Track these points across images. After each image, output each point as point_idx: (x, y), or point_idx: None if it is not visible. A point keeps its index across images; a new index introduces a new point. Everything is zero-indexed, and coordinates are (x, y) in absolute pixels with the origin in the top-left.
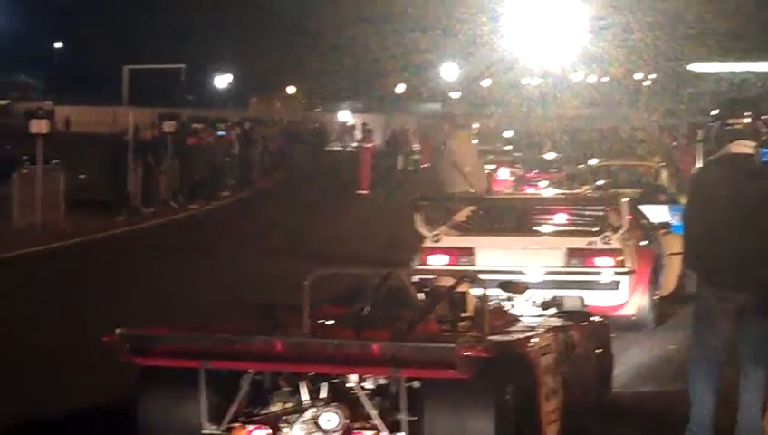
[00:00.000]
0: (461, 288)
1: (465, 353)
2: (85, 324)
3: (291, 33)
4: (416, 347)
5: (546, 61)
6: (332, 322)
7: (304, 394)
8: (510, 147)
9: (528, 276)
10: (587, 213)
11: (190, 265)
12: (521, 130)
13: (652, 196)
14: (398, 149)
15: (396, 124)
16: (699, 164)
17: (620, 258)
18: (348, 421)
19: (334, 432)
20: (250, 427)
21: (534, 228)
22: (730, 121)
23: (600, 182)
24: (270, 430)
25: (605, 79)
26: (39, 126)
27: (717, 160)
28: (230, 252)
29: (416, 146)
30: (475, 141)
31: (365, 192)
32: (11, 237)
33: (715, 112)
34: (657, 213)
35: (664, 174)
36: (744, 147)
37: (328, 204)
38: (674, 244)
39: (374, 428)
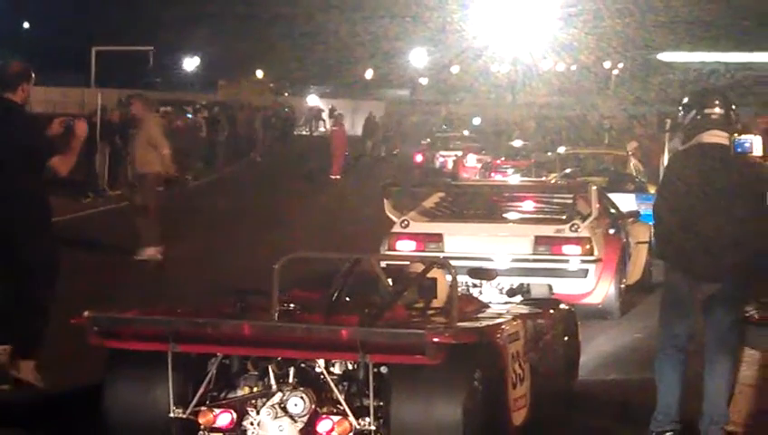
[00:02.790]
0: (431, 274)
1: (434, 339)
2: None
3: (260, 18)
4: (384, 333)
5: (515, 48)
6: (301, 306)
7: (272, 379)
8: (466, 132)
9: (496, 263)
10: (555, 201)
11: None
12: (489, 118)
13: (620, 184)
14: (368, 135)
15: (365, 110)
16: (666, 153)
17: (588, 246)
18: (314, 406)
19: (301, 417)
20: (216, 410)
21: (503, 215)
22: (705, 111)
23: (569, 170)
24: (236, 414)
25: (574, 67)
26: None
27: (687, 150)
28: (196, 236)
29: (389, 133)
30: None
31: (337, 177)
32: None
33: (684, 101)
34: (624, 201)
35: (632, 163)
36: (716, 137)
37: (297, 189)
38: (641, 232)
39: (341, 413)
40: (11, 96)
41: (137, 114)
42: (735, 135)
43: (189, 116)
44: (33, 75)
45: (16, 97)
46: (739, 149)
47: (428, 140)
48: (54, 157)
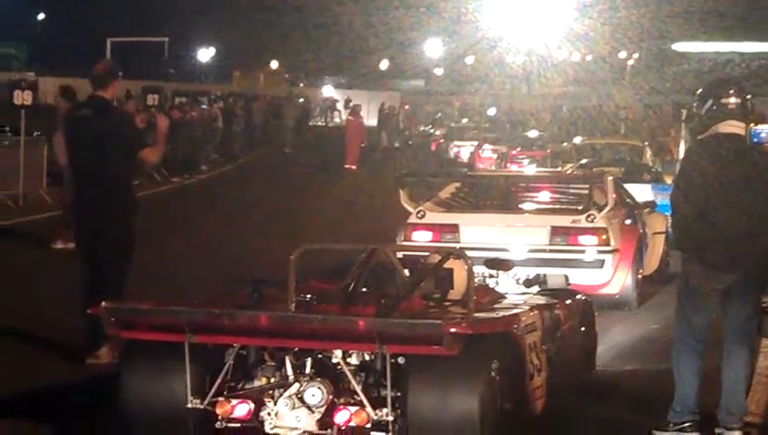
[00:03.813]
0: (447, 265)
1: (452, 330)
2: (65, 299)
3: (275, 9)
4: (402, 323)
5: (530, 39)
6: (318, 297)
7: (289, 369)
8: (465, 121)
9: (512, 254)
10: (571, 191)
11: (174, 238)
12: (505, 108)
13: (636, 174)
14: (383, 126)
15: (380, 100)
16: (683, 144)
17: (605, 237)
18: (332, 397)
19: (318, 407)
20: (234, 401)
21: (519, 206)
22: (722, 101)
23: (585, 161)
24: (254, 405)
25: (589, 57)
26: (22, 97)
27: (704, 140)
28: (214, 226)
29: (402, 124)
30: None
31: (353, 167)
32: None
33: (700, 92)
34: (641, 192)
35: (648, 153)
36: (733, 127)
37: (312, 179)
38: (658, 223)
39: (358, 403)
40: (102, 93)
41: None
42: (751, 125)
43: (204, 107)
44: (121, 73)
45: (107, 94)
46: (755, 139)
47: (430, 126)
48: (144, 148)
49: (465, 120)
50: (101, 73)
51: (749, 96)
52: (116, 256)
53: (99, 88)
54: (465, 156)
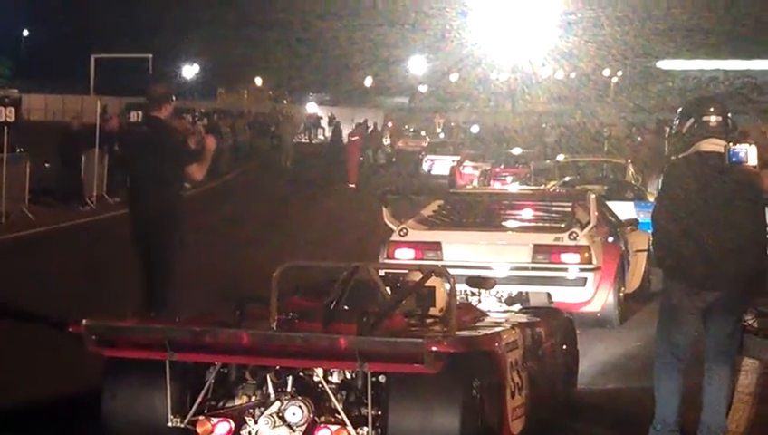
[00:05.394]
0: (429, 283)
1: (433, 348)
2: (49, 315)
3: (259, 26)
4: (383, 341)
5: (514, 56)
6: (299, 315)
7: (270, 388)
8: (423, 133)
9: (494, 272)
10: (554, 209)
11: None
12: (489, 125)
13: (619, 192)
14: (368, 144)
15: (363, 117)
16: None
17: (587, 255)
18: (312, 415)
19: (299, 426)
20: (215, 420)
21: (501, 224)
22: (703, 119)
23: (568, 178)
24: (234, 424)
25: (573, 75)
26: (5, 114)
27: (686, 158)
28: (197, 243)
29: (386, 140)
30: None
31: (353, 185)
32: None
33: (681, 109)
34: (624, 209)
35: (631, 170)
36: (714, 145)
37: (298, 198)
38: (640, 241)
39: (339, 422)
40: (157, 114)
41: None
42: (730, 144)
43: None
44: (174, 97)
45: (161, 114)
46: (734, 159)
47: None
48: (192, 165)
49: (433, 134)
50: (157, 96)
51: (730, 114)
52: (165, 258)
53: (153, 109)
54: (438, 170)
